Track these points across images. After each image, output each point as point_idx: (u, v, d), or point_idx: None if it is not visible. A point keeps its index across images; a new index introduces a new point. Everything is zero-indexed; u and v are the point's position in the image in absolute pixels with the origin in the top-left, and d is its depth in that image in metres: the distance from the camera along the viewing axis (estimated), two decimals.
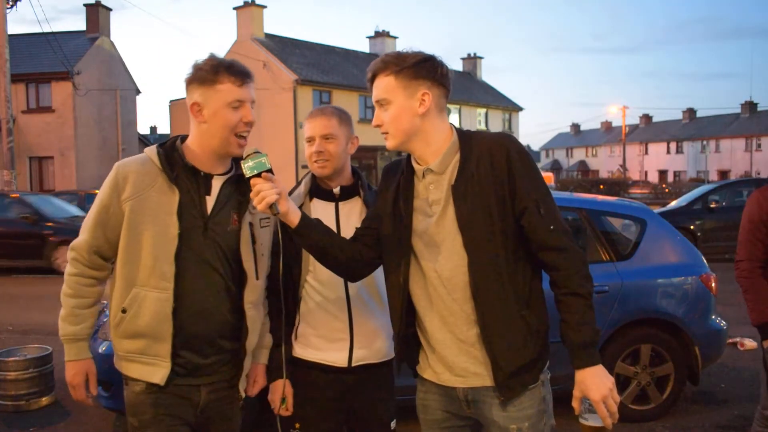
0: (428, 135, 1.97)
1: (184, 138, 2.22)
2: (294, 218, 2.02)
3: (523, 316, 1.93)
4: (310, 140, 2.42)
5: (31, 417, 4.76)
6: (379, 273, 2.26)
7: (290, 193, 2.41)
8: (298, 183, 2.55)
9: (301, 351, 2.43)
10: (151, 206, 2.08)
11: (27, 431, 4.53)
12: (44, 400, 4.94)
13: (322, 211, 2.42)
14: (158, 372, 2.11)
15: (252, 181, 1.98)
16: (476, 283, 1.91)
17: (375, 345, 2.43)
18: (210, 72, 2.09)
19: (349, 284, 2.38)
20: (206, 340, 2.15)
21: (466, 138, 1.99)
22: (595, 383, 1.84)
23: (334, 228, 2.34)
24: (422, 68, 1.94)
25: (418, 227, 2.01)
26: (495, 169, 1.91)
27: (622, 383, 4.55)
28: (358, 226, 2.26)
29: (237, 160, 2.17)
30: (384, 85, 1.95)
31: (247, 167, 1.99)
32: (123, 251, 2.10)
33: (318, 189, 2.48)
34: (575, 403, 1.89)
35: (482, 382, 1.97)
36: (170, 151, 2.15)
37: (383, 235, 2.09)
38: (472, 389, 1.99)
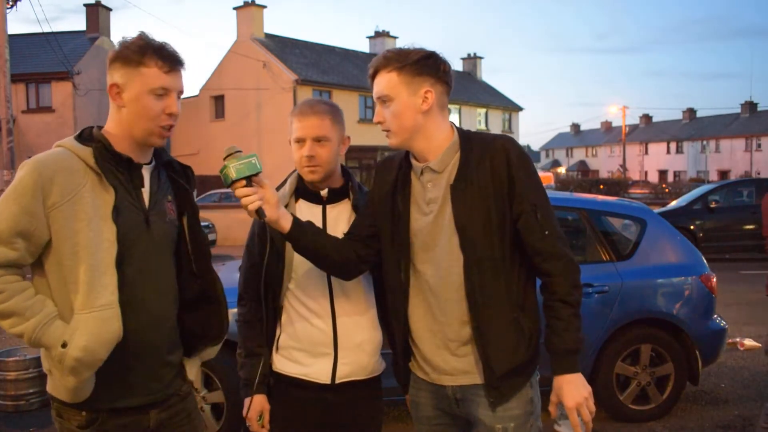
0: (430, 133, 1.95)
1: (99, 126, 1.95)
2: (285, 224, 1.95)
3: (517, 319, 1.93)
4: (300, 141, 2.20)
5: (31, 417, 4.76)
6: (367, 283, 2.23)
7: None
8: (283, 182, 2.33)
9: (281, 365, 2.24)
10: (86, 210, 1.76)
11: (27, 431, 4.53)
12: (44, 401, 4.93)
13: (308, 214, 2.22)
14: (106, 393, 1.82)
15: (234, 186, 1.86)
16: (471, 284, 1.90)
17: (361, 360, 2.21)
18: (136, 52, 1.83)
19: (335, 294, 2.19)
20: (157, 353, 1.92)
21: (466, 138, 1.97)
22: (571, 390, 1.86)
23: None
24: (425, 65, 1.90)
25: (415, 225, 1.98)
26: (494, 171, 1.89)
27: (622, 383, 4.56)
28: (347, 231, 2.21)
29: (156, 149, 1.98)
30: (386, 82, 1.92)
31: (235, 169, 1.84)
32: (56, 271, 1.77)
33: (304, 190, 2.27)
34: (552, 408, 1.91)
35: (471, 380, 1.96)
36: (94, 143, 1.86)
37: (381, 233, 2.05)
38: (461, 387, 1.98)
